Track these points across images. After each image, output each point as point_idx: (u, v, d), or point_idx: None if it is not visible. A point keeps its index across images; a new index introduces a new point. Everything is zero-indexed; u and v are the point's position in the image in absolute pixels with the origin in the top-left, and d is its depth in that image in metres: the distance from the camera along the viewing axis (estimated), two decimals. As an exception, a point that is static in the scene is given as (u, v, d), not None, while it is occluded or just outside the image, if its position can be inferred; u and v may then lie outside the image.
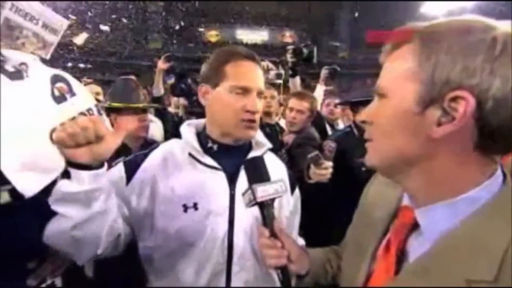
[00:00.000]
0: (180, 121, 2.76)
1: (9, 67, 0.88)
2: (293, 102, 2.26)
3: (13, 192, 0.79)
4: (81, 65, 13.61)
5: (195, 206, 0.85)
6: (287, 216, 0.98)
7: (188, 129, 0.96)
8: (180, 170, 0.89)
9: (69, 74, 1.05)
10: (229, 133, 0.91)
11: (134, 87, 1.70)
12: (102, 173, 0.73)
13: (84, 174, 0.70)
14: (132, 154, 0.97)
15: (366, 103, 1.76)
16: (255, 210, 0.75)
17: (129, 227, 0.88)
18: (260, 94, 0.91)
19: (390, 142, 0.54)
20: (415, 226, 0.56)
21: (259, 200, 0.70)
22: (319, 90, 3.06)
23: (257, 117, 0.90)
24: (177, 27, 20.87)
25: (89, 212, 0.73)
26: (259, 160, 0.79)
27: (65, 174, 0.74)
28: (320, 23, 21.96)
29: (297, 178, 1.11)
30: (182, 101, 3.31)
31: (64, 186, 0.71)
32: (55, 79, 0.98)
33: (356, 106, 1.84)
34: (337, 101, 3.56)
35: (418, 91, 0.49)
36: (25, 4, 1.47)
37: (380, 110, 0.55)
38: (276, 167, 0.98)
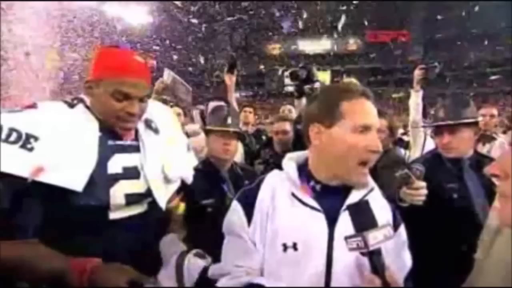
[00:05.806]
0: (269, 140, 2.68)
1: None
2: None
3: None
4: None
5: (294, 246, 0.85)
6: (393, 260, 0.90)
7: (290, 164, 0.96)
8: (282, 207, 0.90)
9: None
10: (341, 177, 0.89)
11: (225, 112, 1.80)
12: None
13: None
14: (243, 188, 1.00)
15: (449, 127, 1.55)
16: (354, 254, 0.76)
17: None
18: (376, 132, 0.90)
19: None
20: None
21: (371, 248, 0.70)
22: (415, 98, 2.39)
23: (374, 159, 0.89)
24: (243, 43, 22.14)
25: None
26: (365, 205, 0.78)
27: None
28: (389, 24, 20.40)
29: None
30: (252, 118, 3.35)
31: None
32: None
33: (439, 130, 1.58)
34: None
35: None
36: (177, 76, 2.48)
37: None
38: (381, 206, 0.92)
